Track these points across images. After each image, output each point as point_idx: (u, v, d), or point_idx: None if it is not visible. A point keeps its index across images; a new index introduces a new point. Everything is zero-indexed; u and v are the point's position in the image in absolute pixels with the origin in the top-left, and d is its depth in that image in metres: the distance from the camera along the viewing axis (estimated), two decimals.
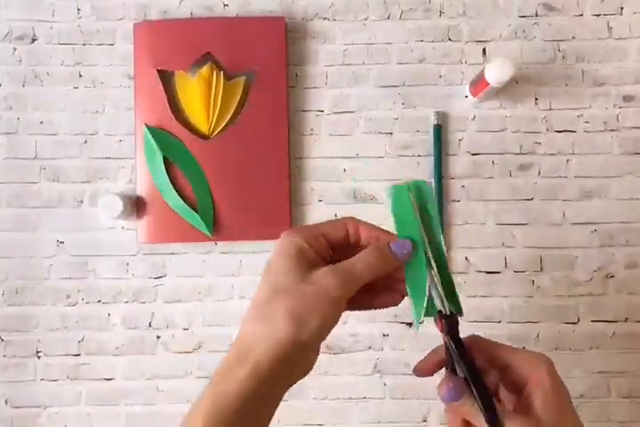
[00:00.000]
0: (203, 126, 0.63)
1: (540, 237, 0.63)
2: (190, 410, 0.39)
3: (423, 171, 0.64)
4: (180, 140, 0.63)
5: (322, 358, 0.63)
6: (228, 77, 0.63)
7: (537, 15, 0.65)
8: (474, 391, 0.40)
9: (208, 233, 0.62)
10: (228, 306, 0.63)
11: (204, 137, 0.63)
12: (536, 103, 0.65)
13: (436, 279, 0.41)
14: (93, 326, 0.63)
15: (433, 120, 0.64)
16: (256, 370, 0.39)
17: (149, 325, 0.63)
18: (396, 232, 0.41)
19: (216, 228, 0.62)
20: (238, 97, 0.63)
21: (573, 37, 0.65)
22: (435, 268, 0.41)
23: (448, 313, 0.42)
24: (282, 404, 0.63)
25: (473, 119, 0.65)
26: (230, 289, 0.64)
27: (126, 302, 0.63)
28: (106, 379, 0.63)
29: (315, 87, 0.65)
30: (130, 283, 0.64)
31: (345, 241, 0.43)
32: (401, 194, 0.42)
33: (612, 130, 0.64)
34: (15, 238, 0.64)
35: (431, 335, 0.63)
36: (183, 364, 0.63)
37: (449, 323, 0.43)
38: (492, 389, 0.42)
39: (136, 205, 0.63)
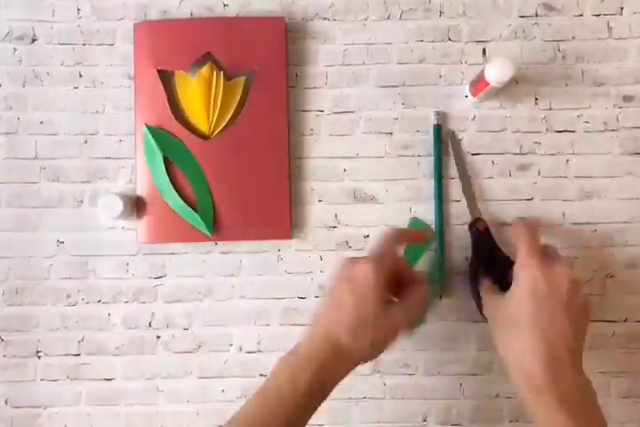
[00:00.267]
0: (203, 126, 0.63)
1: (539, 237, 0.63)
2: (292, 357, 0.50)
3: (423, 171, 0.64)
4: (180, 140, 0.63)
5: None
6: (228, 77, 0.63)
7: (537, 15, 0.65)
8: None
9: (208, 233, 0.62)
10: (227, 306, 0.63)
11: (204, 137, 0.63)
12: (536, 103, 0.65)
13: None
14: (93, 326, 0.63)
15: (433, 120, 0.64)
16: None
17: (149, 325, 0.63)
18: None
19: (216, 228, 0.62)
20: (238, 97, 0.63)
21: (573, 37, 0.65)
22: None
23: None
24: None
25: (473, 119, 0.65)
26: (230, 289, 0.64)
27: (126, 302, 0.63)
28: (106, 379, 0.63)
29: (315, 87, 0.65)
30: (130, 283, 0.64)
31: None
32: None
33: (612, 130, 0.64)
34: (15, 238, 0.64)
35: (431, 335, 0.63)
36: (183, 364, 0.63)
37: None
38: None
39: (136, 205, 0.63)
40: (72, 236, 0.64)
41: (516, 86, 0.64)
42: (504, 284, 0.60)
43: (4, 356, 0.63)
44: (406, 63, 0.65)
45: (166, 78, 0.63)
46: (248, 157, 0.63)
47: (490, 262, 0.61)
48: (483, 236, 0.62)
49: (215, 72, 0.62)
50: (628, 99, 0.65)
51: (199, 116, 0.63)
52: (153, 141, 0.62)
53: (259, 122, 0.63)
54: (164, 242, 0.63)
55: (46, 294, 0.63)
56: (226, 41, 0.63)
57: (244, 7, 0.65)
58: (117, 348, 0.63)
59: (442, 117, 0.64)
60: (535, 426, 0.50)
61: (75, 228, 0.64)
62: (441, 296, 0.63)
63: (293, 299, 0.64)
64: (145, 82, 0.63)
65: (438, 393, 0.63)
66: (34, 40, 0.65)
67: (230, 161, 0.63)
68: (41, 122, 0.65)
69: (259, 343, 0.63)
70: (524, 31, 0.65)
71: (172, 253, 0.64)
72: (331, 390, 0.51)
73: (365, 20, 0.66)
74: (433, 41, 0.65)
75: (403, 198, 0.64)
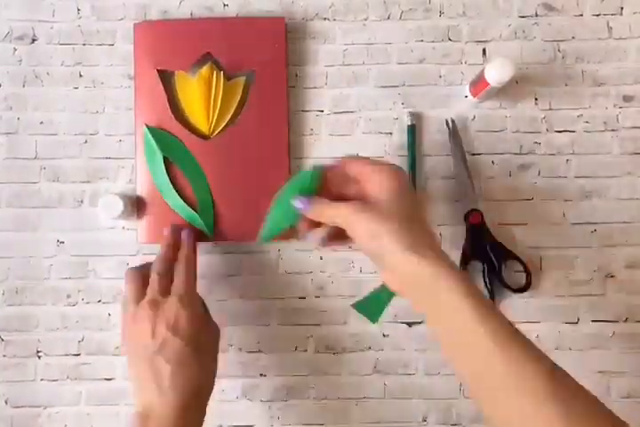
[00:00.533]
0: (203, 126, 0.63)
1: (540, 237, 0.63)
2: None
3: (423, 171, 0.64)
4: (179, 140, 0.63)
5: (322, 358, 0.63)
6: (228, 77, 0.63)
7: (537, 15, 0.65)
8: None
9: (208, 233, 0.62)
10: (228, 306, 0.63)
11: (203, 137, 0.63)
12: (536, 103, 0.65)
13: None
14: (93, 325, 0.63)
15: (407, 121, 0.64)
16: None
17: None
18: None
19: (216, 228, 0.62)
20: (238, 97, 0.63)
21: (573, 37, 0.65)
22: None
23: None
24: (282, 404, 0.64)
25: (473, 119, 0.65)
26: (230, 289, 0.64)
27: None
28: (106, 379, 0.63)
29: (315, 87, 0.65)
30: None
31: None
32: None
33: (612, 130, 0.64)
34: (15, 238, 0.64)
35: (431, 335, 0.63)
36: None
37: None
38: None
39: (136, 205, 0.63)
40: (72, 236, 0.64)
41: (515, 86, 0.64)
42: (497, 275, 0.61)
43: (4, 356, 0.63)
44: (406, 63, 0.65)
45: (166, 78, 0.63)
46: (248, 157, 0.63)
47: (483, 253, 0.62)
48: (477, 226, 0.62)
49: (215, 72, 0.62)
50: (627, 99, 0.65)
51: (199, 116, 0.63)
52: (153, 141, 0.62)
53: (259, 122, 0.63)
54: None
55: (46, 294, 0.63)
56: (226, 41, 0.63)
57: (244, 7, 0.65)
58: (117, 348, 0.63)
59: (415, 118, 0.64)
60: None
61: (75, 228, 0.64)
62: None
63: (293, 299, 0.64)
64: (145, 82, 0.63)
65: (438, 393, 0.63)
66: (34, 40, 0.65)
67: (230, 161, 0.63)
68: (41, 122, 0.65)
69: (259, 343, 0.63)
70: (523, 31, 0.65)
71: None
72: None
73: (365, 20, 0.66)
74: (433, 41, 0.65)
75: None
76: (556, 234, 0.64)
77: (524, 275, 0.62)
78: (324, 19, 0.66)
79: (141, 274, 0.57)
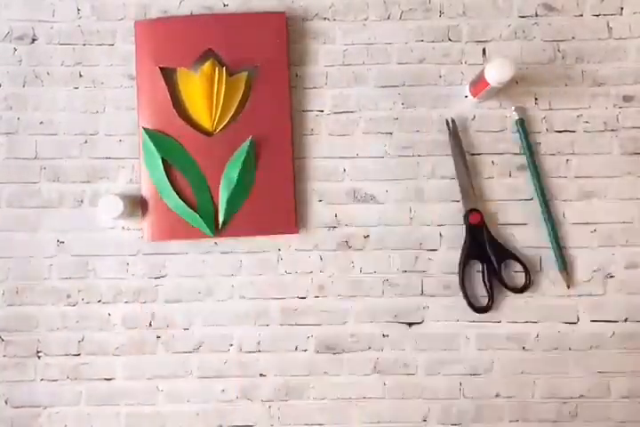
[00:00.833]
0: (205, 123, 0.63)
1: (539, 238, 0.63)
2: None
3: (423, 171, 0.64)
4: (178, 141, 0.63)
5: (322, 358, 0.63)
6: (230, 73, 0.63)
7: (537, 15, 0.65)
8: None
9: (209, 232, 0.62)
10: (228, 306, 0.63)
11: (207, 133, 0.63)
12: (536, 103, 0.65)
13: None
14: (93, 326, 0.63)
15: (514, 115, 0.64)
16: None
17: (149, 325, 0.63)
18: None
19: (217, 225, 0.63)
20: (241, 92, 0.63)
21: (573, 37, 0.65)
22: None
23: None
24: (282, 404, 0.64)
25: (473, 119, 0.65)
26: (230, 289, 0.64)
27: (126, 302, 0.63)
28: (106, 379, 0.63)
29: (315, 87, 0.65)
30: (130, 283, 0.64)
31: None
32: None
33: (612, 130, 0.64)
34: (15, 238, 0.64)
35: (431, 335, 0.63)
36: (183, 364, 0.63)
37: None
38: None
39: (140, 204, 0.63)
40: (72, 236, 0.64)
41: (516, 86, 0.64)
42: (496, 275, 0.61)
43: (4, 356, 0.63)
44: (406, 63, 0.65)
45: (168, 76, 0.63)
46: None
47: (482, 253, 0.62)
48: (477, 226, 0.62)
49: (217, 68, 0.62)
50: (627, 99, 0.65)
51: (202, 112, 0.63)
52: (151, 144, 0.62)
53: (262, 117, 0.63)
54: (168, 240, 0.63)
55: (46, 294, 0.63)
56: (227, 37, 0.63)
57: (243, 6, 0.65)
58: (117, 348, 0.63)
59: (521, 112, 0.64)
60: None
61: (75, 228, 0.64)
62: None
63: (293, 299, 0.64)
64: (147, 80, 0.63)
65: (438, 393, 0.63)
66: (34, 40, 0.65)
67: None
68: (41, 122, 0.64)
69: (259, 343, 0.63)
70: (523, 31, 0.65)
71: (172, 253, 0.64)
72: None
73: (365, 20, 0.66)
74: (433, 41, 0.65)
75: (403, 198, 0.64)
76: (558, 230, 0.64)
77: (523, 275, 0.62)
78: (324, 19, 0.66)
79: None
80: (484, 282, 0.62)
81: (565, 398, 0.62)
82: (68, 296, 0.63)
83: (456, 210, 0.64)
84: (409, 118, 0.65)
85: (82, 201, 0.64)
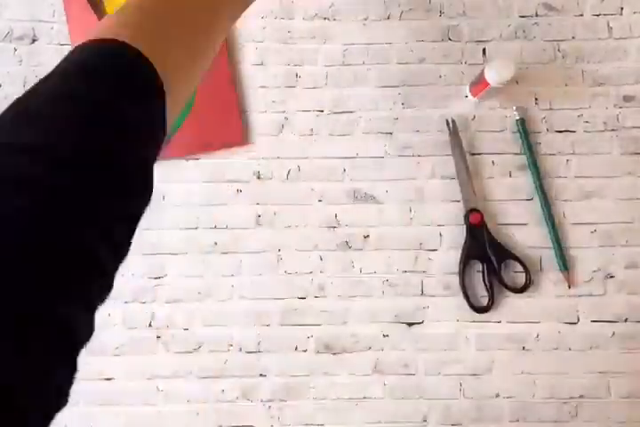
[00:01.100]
0: None
1: (539, 238, 0.63)
2: None
3: (423, 171, 0.64)
4: None
5: (322, 358, 0.63)
6: None
7: (537, 15, 0.65)
8: None
9: None
10: (228, 306, 0.63)
11: None
12: (536, 103, 0.65)
13: None
14: None
15: (515, 115, 0.64)
16: None
17: (149, 325, 0.63)
18: None
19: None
20: None
21: (573, 37, 0.65)
22: None
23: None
24: (282, 404, 0.63)
25: (473, 119, 0.65)
26: (230, 289, 0.64)
27: (126, 302, 0.63)
28: (106, 379, 0.63)
29: (315, 87, 0.65)
30: (130, 283, 0.64)
31: None
32: None
33: (612, 130, 0.64)
34: None
35: (431, 335, 0.63)
36: (183, 364, 0.63)
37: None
38: None
39: None
40: None
41: (515, 86, 0.64)
42: (496, 275, 0.61)
43: None
44: (406, 63, 0.65)
45: (97, 8, 0.64)
46: None
47: (482, 253, 0.62)
48: (477, 226, 0.62)
49: None
50: (628, 99, 0.65)
51: None
52: None
53: None
54: None
55: None
56: None
57: None
58: (117, 348, 0.63)
59: (522, 112, 0.64)
60: None
61: None
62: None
63: (293, 299, 0.64)
64: (76, 13, 0.63)
65: (438, 393, 0.63)
66: (34, 40, 0.65)
67: None
68: None
69: (259, 343, 0.63)
70: (524, 31, 0.65)
71: (172, 253, 0.64)
72: None
73: (365, 20, 0.66)
74: (433, 41, 0.65)
75: (403, 198, 0.64)
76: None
77: (523, 275, 0.62)
78: (324, 19, 0.66)
79: None
80: (484, 282, 0.62)
81: (565, 398, 0.62)
82: None
83: (456, 210, 0.64)
84: (409, 118, 0.65)
85: None
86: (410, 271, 0.63)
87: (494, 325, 0.63)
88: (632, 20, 0.65)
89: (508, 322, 0.63)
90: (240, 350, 0.63)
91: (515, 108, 0.64)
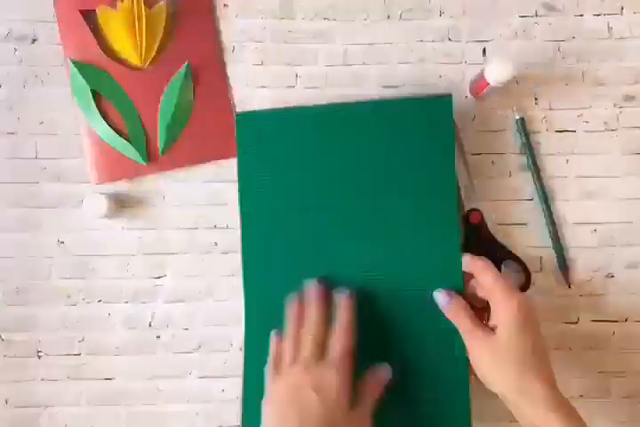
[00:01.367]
0: (134, 59, 0.63)
1: (540, 237, 0.63)
2: None
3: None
4: (106, 71, 0.63)
5: None
6: (149, 5, 0.63)
7: (537, 15, 0.65)
8: None
9: (142, 161, 0.63)
10: (227, 306, 0.63)
11: (138, 69, 0.64)
12: (536, 103, 0.65)
13: None
14: (94, 325, 0.63)
15: (515, 115, 0.64)
16: None
17: (149, 325, 0.63)
18: None
19: (151, 156, 0.64)
20: (163, 23, 0.64)
21: (573, 37, 0.65)
22: None
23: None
24: None
25: (473, 119, 0.65)
26: (230, 289, 0.64)
27: (126, 302, 0.64)
28: (106, 379, 0.63)
29: (314, 87, 0.65)
30: (130, 283, 0.64)
31: None
32: None
33: (612, 130, 0.64)
34: (16, 238, 0.64)
35: None
36: (183, 364, 0.63)
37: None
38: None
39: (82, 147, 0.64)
40: (72, 236, 0.64)
41: (516, 86, 0.64)
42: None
43: (5, 356, 0.63)
44: (406, 63, 0.65)
45: (89, 18, 0.64)
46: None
47: (482, 253, 0.60)
48: (476, 227, 0.62)
49: (136, 1, 0.63)
50: (628, 98, 0.65)
51: (128, 48, 0.63)
52: (79, 75, 0.63)
53: (189, 46, 0.64)
54: (110, 181, 0.64)
55: (47, 294, 0.63)
56: None
57: (244, 6, 0.65)
58: (117, 348, 0.63)
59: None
60: None
61: (75, 228, 0.64)
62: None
63: None
64: (70, 25, 0.64)
65: None
66: (34, 40, 0.65)
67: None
68: (41, 122, 0.65)
69: None
70: (524, 31, 0.65)
71: (172, 253, 0.64)
72: None
73: (365, 20, 0.66)
74: (433, 41, 0.65)
75: None
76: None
77: (523, 275, 0.62)
78: (324, 19, 0.66)
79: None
80: None
81: None
82: (69, 296, 0.63)
83: None
84: None
85: (82, 201, 0.64)
86: None
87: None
88: (632, 20, 0.65)
89: None
90: (240, 349, 0.63)
91: (515, 107, 0.64)
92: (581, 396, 0.62)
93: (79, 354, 0.63)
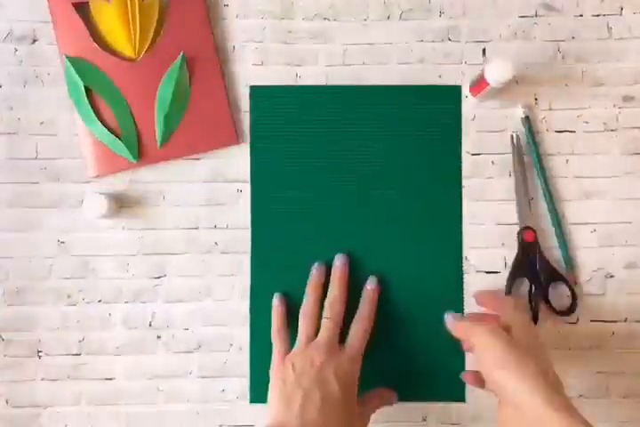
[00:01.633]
0: (128, 50, 0.64)
1: (539, 237, 0.63)
2: None
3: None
4: (99, 68, 0.63)
5: None
6: None
7: (537, 15, 0.65)
8: None
9: (132, 159, 0.63)
10: (228, 306, 0.64)
11: (131, 61, 0.64)
12: (536, 103, 0.65)
13: None
14: (94, 325, 0.63)
15: (521, 113, 0.64)
16: None
17: (149, 325, 0.63)
18: None
19: (144, 150, 0.64)
20: (156, 15, 0.64)
21: (573, 37, 0.65)
22: None
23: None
24: None
25: (473, 119, 0.65)
26: (230, 289, 0.64)
27: (126, 302, 0.64)
28: (106, 379, 0.63)
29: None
30: (130, 283, 0.64)
31: None
32: None
33: (612, 130, 0.64)
34: (16, 238, 0.64)
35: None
36: (183, 364, 0.63)
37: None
38: None
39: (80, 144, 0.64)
40: (72, 236, 0.64)
41: (516, 86, 0.64)
42: (542, 297, 0.62)
43: (5, 356, 0.63)
44: (406, 63, 0.65)
45: (82, 11, 0.64)
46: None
47: (531, 274, 0.62)
48: (530, 245, 0.62)
49: None
50: (627, 99, 0.65)
51: (122, 40, 0.63)
52: (73, 71, 0.63)
53: (183, 37, 0.64)
54: (108, 174, 0.64)
55: (47, 294, 0.63)
56: None
57: (244, 6, 0.65)
58: (117, 348, 0.63)
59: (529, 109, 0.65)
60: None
61: (75, 228, 0.64)
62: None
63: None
64: (63, 18, 0.64)
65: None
66: (34, 41, 0.65)
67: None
68: (41, 122, 0.65)
69: None
70: (523, 31, 0.65)
71: (172, 253, 0.64)
72: None
73: (365, 20, 0.66)
74: (433, 41, 0.65)
75: None
76: (556, 234, 0.63)
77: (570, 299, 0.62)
78: (324, 19, 0.66)
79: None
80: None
81: None
82: (69, 296, 0.63)
83: (510, 227, 0.63)
84: None
85: (82, 201, 0.64)
86: None
87: None
88: (632, 20, 0.65)
89: None
90: (240, 349, 0.63)
91: (521, 105, 0.64)
92: (581, 396, 0.62)
93: (79, 354, 0.63)
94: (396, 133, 0.63)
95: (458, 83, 0.65)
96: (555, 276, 0.62)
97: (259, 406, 0.63)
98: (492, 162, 0.64)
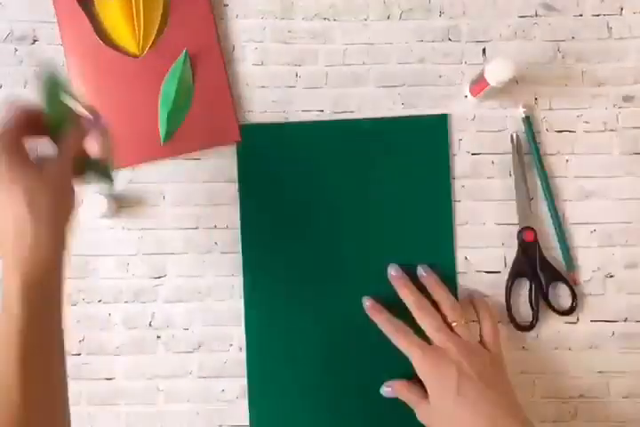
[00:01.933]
0: (131, 46, 0.63)
1: (539, 237, 0.63)
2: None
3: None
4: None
5: None
6: None
7: (537, 15, 0.65)
8: None
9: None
10: (227, 306, 0.64)
11: (135, 56, 0.64)
12: (536, 103, 0.65)
13: None
14: (94, 325, 0.63)
15: (521, 113, 0.64)
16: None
17: (149, 325, 0.63)
18: None
19: (144, 149, 0.64)
20: (161, 9, 0.63)
21: (573, 37, 0.65)
22: None
23: None
24: None
25: (473, 119, 0.65)
26: (230, 289, 0.64)
27: (126, 302, 0.64)
28: (106, 379, 0.63)
29: (314, 87, 0.65)
30: (130, 283, 0.64)
31: None
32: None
33: (612, 130, 0.64)
34: None
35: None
36: (183, 364, 0.63)
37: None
38: None
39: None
40: (72, 236, 0.64)
41: (516, 86, 0.64)
42: (543, 296, 0.62)
43: None
44: (406, 63, 0.65)
45: (86, 5, 0.64)
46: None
47: (532, 274, 0.62)
48: (530, 245, 0.62)
49: None
50: (627, 99, 0.65)
51: (125, 35, 0.63)
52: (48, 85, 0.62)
53: (186, 33, 0.64)
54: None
55: None
56: None
57: (244, 6, 0.65)
58: (118, 348, 0.63)
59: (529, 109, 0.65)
60: None
61: (75, 228, 0.64)
62: None
63: None
64: (66, 14, 0.64)
65: None
66: (35, 41, 0.65)
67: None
68: None
69: None
70: (523, 31, 0.65)
71: (172, 253, 0.64)
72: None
73: (365, 20, 0.66)
74: (433, 41, 0.65)
75: None
76: (556, 233, 0.63)
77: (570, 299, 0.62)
78: (324, 19, 0.66)
79: None
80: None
81: (565, 398, 0.62)
82: (69, 296, 0.63)
83: (509, 227, 0.64)
84: None
85: (82, 201, 0.64)
86: None
87: None
88: (632, 20, 0.65)
89: (507, 322, 0.63)
90: (240, 350, 0.63)
91: (521, 105, 0.64)
92: (581, 396, 0.62)
93: (79, 354, 0.63)
94: (382, 166, 0.63)
95: (458, 83, 0.65)
96: (555, 276, 0.62)
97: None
98: (492, 162, 0.64)
